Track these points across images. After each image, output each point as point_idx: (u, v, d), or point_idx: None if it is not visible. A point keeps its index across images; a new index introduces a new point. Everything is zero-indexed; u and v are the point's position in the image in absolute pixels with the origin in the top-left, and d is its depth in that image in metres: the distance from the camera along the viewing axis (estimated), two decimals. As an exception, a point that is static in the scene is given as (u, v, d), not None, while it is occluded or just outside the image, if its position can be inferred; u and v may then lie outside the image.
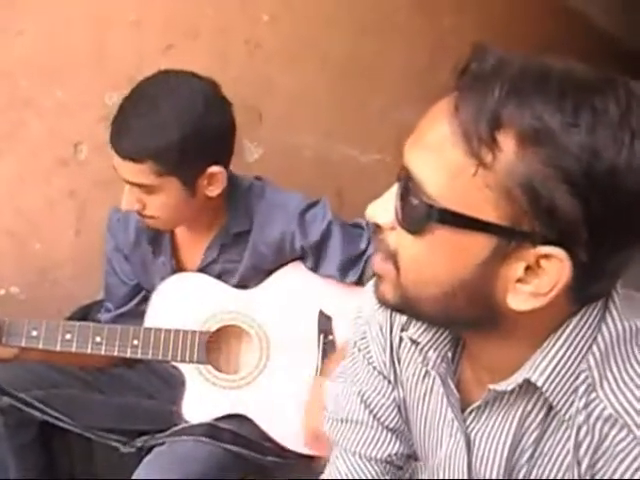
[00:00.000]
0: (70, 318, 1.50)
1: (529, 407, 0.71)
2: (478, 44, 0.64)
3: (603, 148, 0.58)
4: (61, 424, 1.32)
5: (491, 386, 0.70)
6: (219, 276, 1.40)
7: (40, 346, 1.29)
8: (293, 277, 1.40)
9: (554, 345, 0.67)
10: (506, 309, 0.64)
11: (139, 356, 1.32)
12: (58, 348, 1.30)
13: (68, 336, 1.30)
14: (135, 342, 1.31)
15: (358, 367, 0.88)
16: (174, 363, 1.35)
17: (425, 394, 0.81)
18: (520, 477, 0.73)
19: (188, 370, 1.34)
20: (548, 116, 0.58)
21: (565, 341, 0.67)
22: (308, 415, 1.28)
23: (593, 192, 0.58)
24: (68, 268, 1.68)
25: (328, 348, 1.38)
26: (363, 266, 1.37)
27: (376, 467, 0.85)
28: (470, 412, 0.76)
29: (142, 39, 1.64)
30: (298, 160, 1.89)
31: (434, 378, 0.79)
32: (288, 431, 1.33)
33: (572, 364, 0.67)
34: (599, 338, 0.67)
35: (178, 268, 1.42)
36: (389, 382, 0.85)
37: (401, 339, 0.83)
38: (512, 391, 0.70)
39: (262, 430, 1.33)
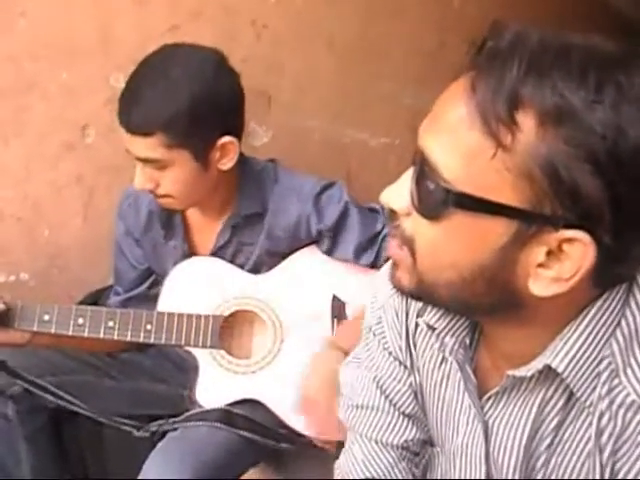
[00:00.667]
0: (80, 303, 1.49)
1: (549, 394, 0.69)
2: (495, 21, 0.62)
3: (628, 125, 0.56)
4: (74, 408, 1.31)
5: (510, 372, 0.69)
6: (232, 259, 1.39)
7: (52, 331, 1.28)
8: (307, 261, 1.39)
9: (575, 331, 0.66)
10: (526, 295, 0.63)
11: (152, 341, 1.31)
12: (70, 333, 1.29)
13: (80, 320, 1.29)
14: (148, 327, 1.30)
15: (373, 352, 0.87)
16: (187, 348, 1.34)
17: (442, 380, 0.81)
18: (539, 464, 0.73)
19: (201, 355, 1.34)
20: (570, 93, 0.56)
21: (587, 327, 0.65)
22: (308, 380, 1.27)
23: (617, 172, 0.56)
24: (77, 254, 1.67)
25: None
26: (378, 248, 1.37)
27: (392, 453, 0.84)
28: (488, 399, 0.75)
29: (146, 20, 1.61)
30: (307, 143, 1.88)
31: (451, 364, 0.78)
32: (306, 419, 1.32)
33: (594, 350, 0.66)
34: (623, 323, 0.66)
35: (190, 252, 1.41)
36: (405, 368, 0.84)
37: (417, 324, 0.82)
38: (531, 377, 0.69)
39: (276, 415, 1.33)
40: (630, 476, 0.65)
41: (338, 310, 1.38)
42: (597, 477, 0.67)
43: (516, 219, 0.59)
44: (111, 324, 1.29)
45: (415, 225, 0.65)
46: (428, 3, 1.99)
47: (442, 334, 0.75)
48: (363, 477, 0.84)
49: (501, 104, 0.57)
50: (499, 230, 0.60)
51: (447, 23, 2.03)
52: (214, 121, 1.23)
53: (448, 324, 0.75)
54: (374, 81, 1.94)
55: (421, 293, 0.68)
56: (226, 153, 1.26)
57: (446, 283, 0.65)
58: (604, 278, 0.63)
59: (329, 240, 1.37)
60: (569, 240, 0.59)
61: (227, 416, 1.27)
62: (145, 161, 1.23)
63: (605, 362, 0.66)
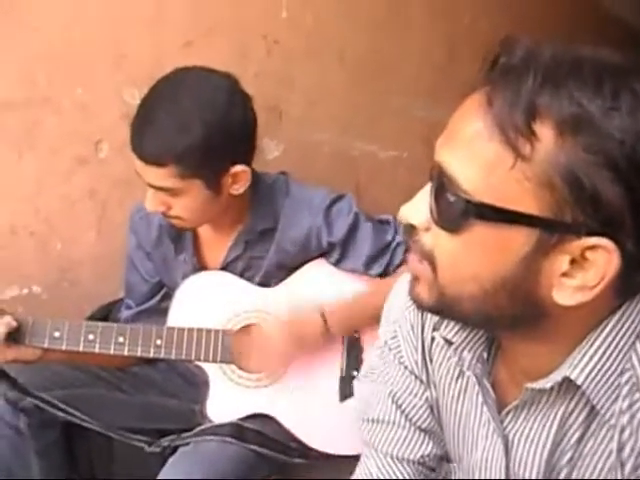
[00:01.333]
0: (91, 317, 1.50)
1: (570, 407, 0.69)
2: (506, 37, 0.63)
3: None
4: (84, 424, 1.31)
5: (529, 385, 0.69)
6: (242, 273, 1.39)
7: (63, 347, 1.28)
8: (316, 274, 1.39)
9: (595, 342, 0.65)
10: (550, 305, 0.63)
11: (162, 356, 1.31)
12: (81, 349, 1.29)
13: (91, 336, 1.29)
14: (158, 342, 1.30)
15: (389, 367, 0.87)
16: (197, 363, 1.34)
17: (459, 394, 0.80)
18: (560, 478, 0.72)
19: (212, 369, 1.34)
20: (587, 101, 0.57)
21: (606, 338, 0.65)
22: (277, 322, 1.31)
23: (637, 177, 0.56)
24: (89, 267, 1.67)
25: (352, 345, 1.37)
26: (388, 259, 1.36)
27: (408, 468, 0.84)
28: (507, 413, 0.74)
29: (161, 36, 1.63)
30: (317, 156, 1.88)
31: (468, 378, 0.77)
32: (313, 430, 1.32)
33: (614, 362, 0.65)
34: None
35: (200, 266, 1.42)
36: (421, 382, 0.84)
37: (433, 338, 0.81)
38: (551, 391, 0.68)
39: (287, 430, 1.32)
40: (652, 492, 0.65)
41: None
42: None
43: (538, 228, 0.59)
44: (121, 340, 1.29)
45: (435, 239, 0.65)
46: (438, 17, 2.01)
47: (460, 348, 0.75)
48: (379, 493, 0.84)
49: (518, 115, 0.58)
50: (521, 240, 0.60)
51: (457, 37, 2.04)
52: (227, 151, 1.23)
53: (465, 338, 0.74)
54: (384, 95, 1.95)
55: (442, 307, 0.68)
56: (238, 180, 1.27)
57: (468, 296, 0.65)
58: (627, 286, 0.63)
59: (339, 252, 1.37)
60: (592, 247, 0.59)
61: (238, 431, 1.27)
62: (157, 188, 1.23)
63: (626, 375, 0.65)
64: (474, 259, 0.63)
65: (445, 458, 0.85)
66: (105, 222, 1.66)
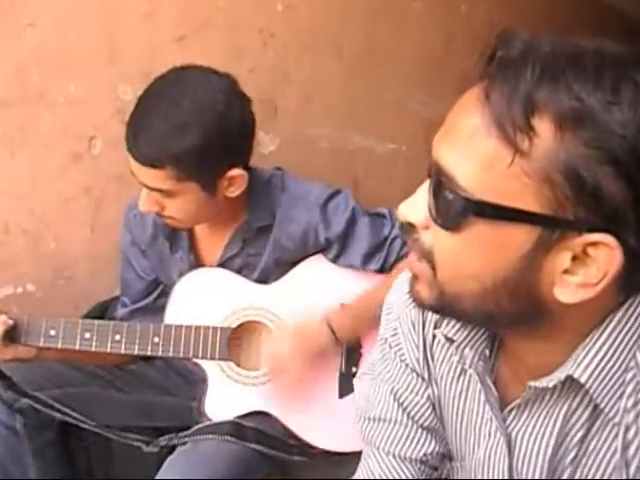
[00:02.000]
0: (87, 315, 1.49)
1: (574, 405, 0.68)
2: (503, 30, 0.61)
3: None
4: (80, 424, 1.30)
5: (531, 383, 0.68)
6: (240, 270, 1.38)
7: (59, 345, 1.27)
8: (314, 271, 1.38)
9: (598, 340, 0.64)
10: (552, 303, 0.62)
11: (160, 354, 1.30)
12: (77, 347, 1.28)
13: (87, 335, 1.28)
14: (156, 339, 1.29)
15: (389, 364, 0.86)
16: (195, 360, 1.33)
17: (461, 392, 0.79)
18: (564, 478, 0.71)
19: (210, 367, 1.33)
20: (586, 95, 0.55)
21: (609, 335, 0.64)
22: (281, 344, 1.29)
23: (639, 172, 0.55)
24: (84, 265, 1.66)
25: (353, 342, 1.36)
26: (386, 254, 1.36)
27: (410, 467, 0.83)
28: (510, 411, 0.73)
29: (154, 31, 1.61)
30: (314, 151, 1.87)
31: (470, 376, 0.77)
32: (312, 427, 1.31)
33: (618, 360, 0.64)
34: None
35: (197, 263, 1.40)
36: (423, 380, 0.83)
37: (434, 336, 0.81)
38: (554, 389, 0.68)
39: (286, 427, 1.32)
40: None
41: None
42: None
43: (538, 225, 0.58)
44: (118, 337, 1.28)
45: (434, 237, 0.64)
46: (435, 9, 1.99)
47: (461, 346, 0.74)
48: (381, 493, 0.83)
49: (516, 110, 0.57)
50: (521, 237, 0.59)
51: (454, 29, 2.02)
52: (224, 154, 1.21)
53: (467, 336, 0.73)
54: (381, 88, 1.94)
55: (442, 306, 0.67)
56: (234, 183, 1.25)
57: (468, 295, 0.64)
58: (630, 282, 0.62)
59: (337, 248, 1.36)
60: (594, 244, 0.58)
61: (237, 429, 1.26)
62: (152, 189, 1.22)
63: (631, 373, 0.64)
64: (474, 257, 0.62)
65: (448, 457, 0.84)
66: (100, 219, 1.65)
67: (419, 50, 1.99)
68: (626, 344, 0.64)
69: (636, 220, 0.57)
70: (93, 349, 1.28)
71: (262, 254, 1.37)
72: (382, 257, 1.36)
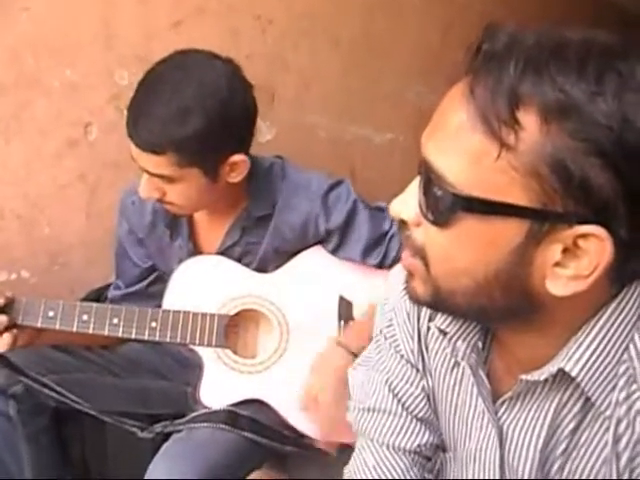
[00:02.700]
0: (82, 301, 1.48)
1: (564, 398, 0.68)
2: (489, 24, 0.61)
3: (633, 114, 0.55)
4: (78, 407, 1.30)
5: (523, 376, 0.68)
6: (239, 259, 1.37)
7: (57, 327, 1.26)
8: (314, 261, 1.38)
9: (590, 333, 0.64)
10: (544, 296, 0.62)
11: (157, 339, 1.29)
12: (74, 329, 1.27)
13: (85, 317, 1.27)
14: (153, 324, 1.29)
15: (384, 355, 0.86)
16: (192, 346, 1.33)
17: (455, 384, 0.80)
18: (554, 470, 0.72)
19: (206, 354, 1.32)
20: (570, 87, 0.55)
21: (602, 329, 0.64)
22: (312, 379, 1.26)
23: (627, 162, 0.55)
24: (79, 251, 1.65)
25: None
26: (386, 248, 1.35)
27: (404, 458, 0.83)
28: (502, 403, 0.74)
29: (150, 16, 1.59)
30: (311, 140, 1.87)
31: (464, 369, 0.77)
32: (307, 418, 1.30)
33: (609, 353, 0.65)
34: None
35: (196, 251, 1.40)
36: (417, 370, 0.83)
37: (429, 328, 0.81)
38: (546, 382, 0.68)
39: (280, 416, 1.32)
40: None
41: (345, 310, 1.36)
42: None
43: (528, 219, 0.58)
44: (115, 321, 1.28)
45: (426, 234, 0.64)
46: (432, 0, 1.98)
47: (454, 338, 0.74)
48: (375, 483, 0.83)
49: (501, 104, 0.56)
50: (511, 231, 0.59)
51: (451, 19, 2.02)
52: (226, 140, 1.20)
53: (460, 328, 0.74)
54: (378, 78, 1.93)
55: (437, 302, 0.68)
56: (236, 168, 1.25)
57: (462, 290, 0.64)
58: (622, 274, 0.62)
59: (336, 239, 1.36)
60: (584, 236, 0.58)
61: (232, 417, 1.26)
62: (153, 175, 1.20)
63: (623, 367, 0.65)
64: (465, 253, 0.62)
65: (441, 447, 0.84)
66: (95, 205, 1.64)
67: (416, 41, 1.99)
68: (618, 337, 0.64)
69: (626, 211, 0.56)
70: (90, 331, 1.27)
71: (261, 242, 1.36)
72: (382, 251, 1.35)
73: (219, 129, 1.17)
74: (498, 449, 0.74)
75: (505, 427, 0.74)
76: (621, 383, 0.65)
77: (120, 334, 1.28)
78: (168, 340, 1.30)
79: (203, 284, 1.35)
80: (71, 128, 1.57)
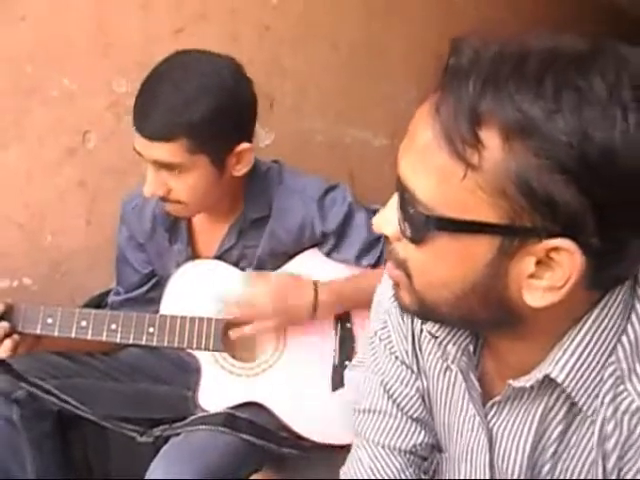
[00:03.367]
0: (84, 307, 1.49)
1: (550, 403, 0.69)
2: (455, 39, 0.61)
3: (592, 128, 0.54)
4: (78, 412, 1.31)
5: (510, 382, 0.69)
6: (237, 262, 1.38)
7: (56, 333, 1.28)
8: (310, 264, 1.38)
9: (574, 339, 0.65)
10: (523, 307, 0.62)
11: (155, 344, 1.30)
12: (73, 335, 1.28)
13: (84, 323, 1.28)
14: (151, 330, 1.30)
15: (379, 357, 0.86)
16: (190, 351, 1.33)
17: (447, 386, 0.80)
18: (544, 472, 0.72)
19: (204, 357, 1.33)
20: (528, 105, 0.55)
21: (586, 334, 0.65)
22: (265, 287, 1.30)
23: (590, 176, 0.55)
24: (80, 259, 1.66)
25: (345, 335, 1.37)
26: (381, 250, 1.36)
27: (400, 458, 0.84)
28: (491, 406, 0.74)
29: (149, 23, 1.61)
30: (309, 145, 1.87)
31: (456, 372, 0.77)
32: (305, 420, 1.31)
33: (595, 358, 0.65)
34: (629, 329, 0.65)
35: (194, 255, 1.41)
36: (412, 372, 0.84)
37: (422, 329, 0.81)
38: (532, 388, 0.68)
39: (279, 419, 1.32)
40: (637, 481, 0.65)
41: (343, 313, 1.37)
42: None
43: (498, 235, 0.59)
44: (114, 327, 1.29)
45: (405, 249, 0.65)
46: (430, 3, 1.99)
47: (444, 342, 0.74)
48: (370, 483, 0.83)
49: (463, 123, 0.56)
50: (483, 248, 0.60)
51: (450, 22, 2.02)
52: (234, 127, 1.23)
53: (449, 333, 0.74)
54: (376, 81, 1.94)
55: (424, 312, 0.69)
56: (242, 159, 1.26)
57: (443, 301, 0.65)
58: (600, 281, 0.62)
59: (332, 242, 1.37)
60: (555, 249, 0.58)
61: (230, 420, 1.26)
62: (163, 166, 1.21)
63: (610, 369, 0.65)
64: (442, 268, 0.63)
65: (436, 447, 0.85)
66: (95, 212, 1.65)
67: (415, 43, 1.99)
68: (603, 342, 0.65)
69: (595, 223, 0.56)
70: (89, 337, 1.29)
71: (258, 246, 1.37)
72: (376, 254, 1.36)
73: (227, 114, 1.20)
74: (488, 451, 0.75)
75: (494, 430, 0.74)
76: (607, 386, 0.65)
77: (118, 340, 1.29)
78: (166, 345, 1.31)
79: (200, 288, 1.35)
80: (70, 136, 1.59)
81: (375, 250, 1.36)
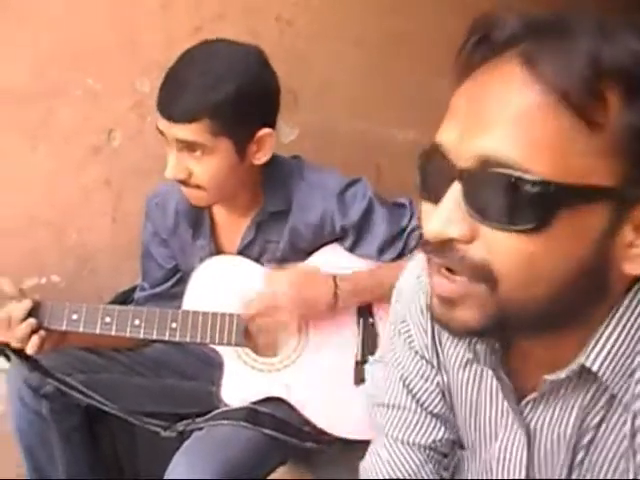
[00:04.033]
0: (110, 304, 1.51)
1: (589, 395, 0.67)
2: (478, 18, 0.61)
3: None
4: (104, 407, 1.33)
5: (547, 377, 0.67)
6: (258, 257, 1.39)
7: (80, 329, 1.30)
8: (331, 259, 1.37)
9: (607, 327, 0.63)
10: (616, 283, 0.60)
11: (177, 339, 1.31)
12: (98, 331, 1.30)
13: (108, 319, 1.30)
14: (174, 325, 1.31)
15: (399, 351, 0.85)
16: (212, 346, 1.34)
17: (469, 380, 0.78)
18: (577, 461, 0.70)
19: (226, 353, 1.34)
20: None
21: (618, 322, 0.63)
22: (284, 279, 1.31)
23: None
24: (106, 256, 1.69)
25: (368, 330, 1.36)
26: (403, 244, 1.35)
27: (419, 454, 0.82)
28: (526, 403, 0.72)
29: (170, 23, 1.62)
30: (334, 140, 1.86)
31: (481, 369, 0.75)
32: (326, 414, 1.31)
33: (629, 345, 0.63)
34: None
35: (217, 250, 1.41)
36: (432, 366, 0.82)
37: None
38: (570, 380, 0.66)
39: (300, 414, 1.32)
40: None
41: (364, 307, 1.36)
42: (631, 477, 0.65)
43: (614, 200, 0.55)
44: (137, 322, 1.30)
45: (491, 247, 0.57)
46: (453, -5, 1.96)
47: (473, 341, 0.71)
48: (389, 479, 0.82)
49: (581, 79, 0.52)
50: (598, 217, 0.56)
51: (474, 13, 1.98)
52: (257, 111, 1.24)
53: None
54: (400, 75, 1.92)
55: (496, 325, 0.60)
56: (263, 146, 1.27)
57: (533, 301, 0.58)
58: None
59: (353, 237, 1.36)
60: None
61: (252, 415, 1.27)
62: (186, 146, 1.22)
63: (638, 359, 0.63)
64: (553, 253, 0.56)
65: (457, 443, 0.83)
66: (120, 211, 1.67)
67: (440, 36, 1.95)
68: (636, 329, 0.63)
69: None
70: (113, 333, 1.30)
71: (279, 241, 1.37)
72: (399, 248, 1.35)
73: (251, 98, 1.21)
74: (525, 449, 0.73)
75: (532, 426, 0.72)
76: (637, 375, 0.63)
77: (142, 335, 1.31)
78: (188, 340, 1.32)
79: (222, 283, 1.36)
80: (95, 135, 1.62)
81: (397, 244, 1.35)
